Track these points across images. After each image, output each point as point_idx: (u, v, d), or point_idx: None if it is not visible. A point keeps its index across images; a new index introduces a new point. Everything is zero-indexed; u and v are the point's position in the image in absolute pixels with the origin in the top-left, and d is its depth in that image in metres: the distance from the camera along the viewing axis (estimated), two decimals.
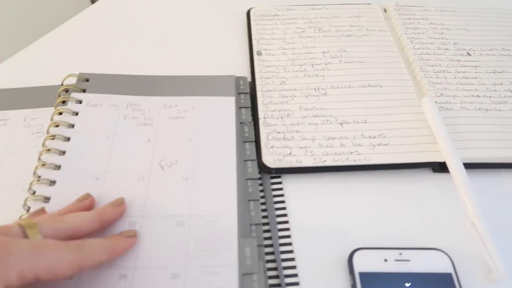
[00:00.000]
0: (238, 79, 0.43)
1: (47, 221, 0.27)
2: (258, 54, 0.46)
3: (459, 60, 0.45)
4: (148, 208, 0.32)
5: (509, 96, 0.42)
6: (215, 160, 0.35)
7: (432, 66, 0.45)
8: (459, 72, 0.44)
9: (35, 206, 0.32)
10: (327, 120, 0.39)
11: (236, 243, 0.30)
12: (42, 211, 0.31)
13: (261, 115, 0.40)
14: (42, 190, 0.33)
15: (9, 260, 0.22)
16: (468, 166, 0.36)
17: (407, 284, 0.30)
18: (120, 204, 0.31)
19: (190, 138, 0.37)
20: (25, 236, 0.25)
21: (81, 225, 0.28)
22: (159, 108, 0.39)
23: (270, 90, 0.42)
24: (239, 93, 0.41)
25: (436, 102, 0.40)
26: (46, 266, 0.24)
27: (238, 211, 0.32)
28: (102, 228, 0.30)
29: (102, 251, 0.27)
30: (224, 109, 0.39)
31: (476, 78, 0.44)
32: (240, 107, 0.40)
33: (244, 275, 0.29)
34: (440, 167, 0.37)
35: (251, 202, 0.34)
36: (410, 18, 0.50)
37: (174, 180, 0.34)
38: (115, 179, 0.33)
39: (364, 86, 0.43)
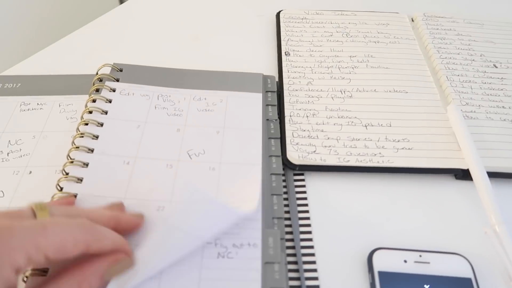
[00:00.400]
0: (266, 77, 0.44)
1: (60, 206, 0.26)
2: (286, 54, 0.47)
3: (485, 72, 0.46)
4: (176, 194, 0.33)
5: None
6: (241, 152, 0.36)
7: (458, 75, 0.45)
8: (485, 83, 0.45)
9: (68, 186, 0.33)
10: (352, 122, 0.40)
11: (259, 233, 0.31)
12: (71, 196, 0.32)
13: (287, 113, 0.41)
14: (75, 171, 0.34)
15: (12, 243, 0.22)
16: (491, 175, 0.36)
17: (426, 286, 0.30)
18: (139, 217, 0.31)
19: (218, 130, 0.38)
20: (34, 217, 0.25)
21: (96, 218, 0.27)
22: (189, 100, 0.40)
23: (296, 90, 0.43)
24: (266, 91, 0.42)
25: (461, 110, 0.41)
26: (54, 244, 0.23)
27: (262, 203, 0.33)
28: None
29: (112, 239, 0.26)
30: (252, 105, 0.40)
31: (502, 89, 0.44)
32: (267, 105, 0.41)
33: (267, 264, 0.30)
34: (463, 174, 0.37)
35: (274, 197, 0.34)
36: (438, 29, 0.51)
37: (201, 169, 0.35)
38: (145, 165, 0.35)
39: (390, 91, 0.43)
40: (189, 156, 0.36)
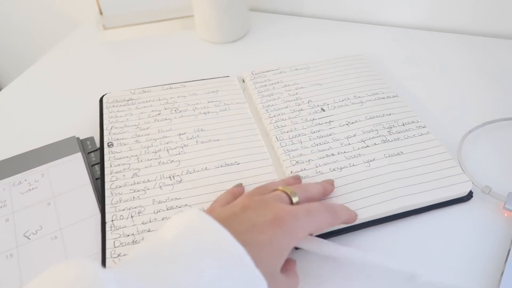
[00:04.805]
0: (85, 140, 0.45)
1: (298, 189, 0.33)
2: (109, 146, 0.43)
3: (313, 119, 0.46)
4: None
5: (362, 148, 0.43)
6: (79, 210, 0.38)
7: (287, 132, 0.45)
8: (314, 132, 0.44)
9: None
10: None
11: None
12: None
13: (108, 217, 0.36)
14: None
15: (298, 224, 0.29)
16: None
17: None
18: (332, 183, 0.38)
19: (48, 202, 0.38)
20: (291, 201, 0.32)
21: (316, 194, 0.35)
22: (9, 189, 0.40)
23: (120, 186, 0.39)
24: (89, 153, 0.44)
25: (291, 172, 0.40)
26: (316, 226, 0.31)
27: None
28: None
29: (346, 214, 0.34)
30: (73, 166, 0.41)
31: (330, 135, 0.44)
32: (93, 165, 0.42)
33: None
34: None
35: None
36: (265, 85, 0.51)
37: (43, 243, 0.35)
38: None
39: (222, 166, 0.41)
40: (27, 237, 0.36)
